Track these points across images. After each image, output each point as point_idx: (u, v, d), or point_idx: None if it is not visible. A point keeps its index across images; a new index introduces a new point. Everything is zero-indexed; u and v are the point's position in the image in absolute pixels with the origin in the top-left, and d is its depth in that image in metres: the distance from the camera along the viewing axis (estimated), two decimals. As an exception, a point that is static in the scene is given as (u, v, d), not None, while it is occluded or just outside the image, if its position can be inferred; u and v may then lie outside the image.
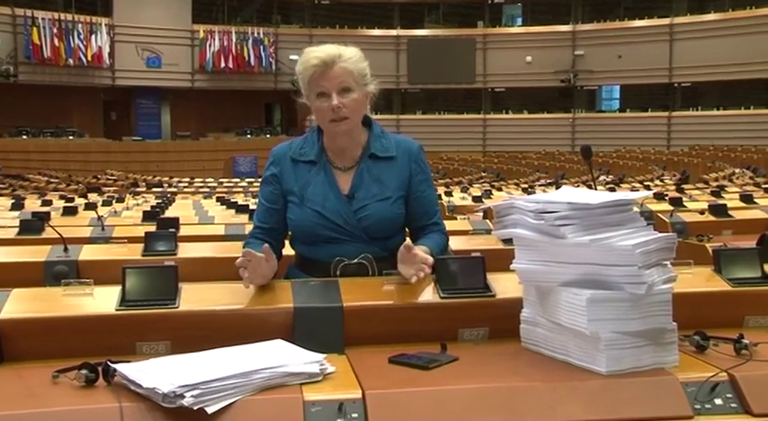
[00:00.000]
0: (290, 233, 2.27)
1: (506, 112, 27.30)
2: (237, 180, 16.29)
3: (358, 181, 2.18)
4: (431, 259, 1.97)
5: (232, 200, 8.09)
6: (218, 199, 8.59)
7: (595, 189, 2.31)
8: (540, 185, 13.33)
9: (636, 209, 1.70)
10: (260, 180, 2.45)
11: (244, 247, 2.19)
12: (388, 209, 2.18)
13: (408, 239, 2.09)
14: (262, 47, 25.76)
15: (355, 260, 2.15)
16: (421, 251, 1.98)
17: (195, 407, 1.38)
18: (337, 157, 2.21)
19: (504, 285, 1.94)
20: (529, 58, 26.29)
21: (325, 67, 2.06)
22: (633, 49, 24.68)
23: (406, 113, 27.32)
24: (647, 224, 1.67)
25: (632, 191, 9.38)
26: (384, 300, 1.93)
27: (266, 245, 1.98)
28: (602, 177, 15.20)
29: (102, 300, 1.84)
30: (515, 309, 1.81)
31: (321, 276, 2.11)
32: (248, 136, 24.31)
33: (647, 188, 11.09)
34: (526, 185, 12.92)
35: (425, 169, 2.26)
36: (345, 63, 2.07)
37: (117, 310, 1.80)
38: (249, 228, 3.94)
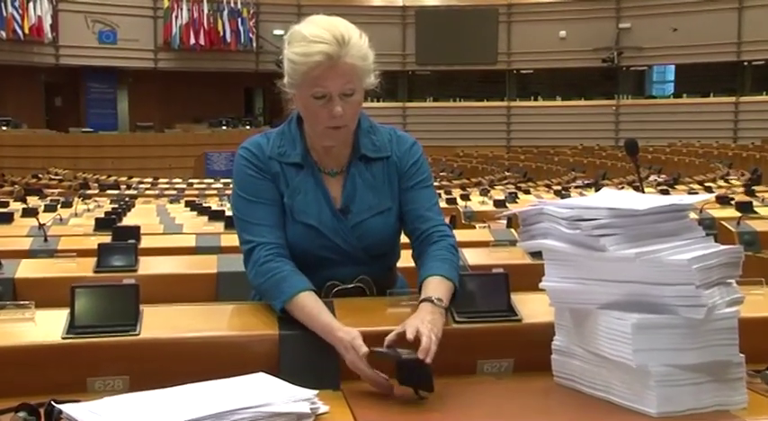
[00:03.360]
0: None
1: (535, 99, 27.33)
2: (211, 181, 16.29)
3: (350, 190, 2.15)
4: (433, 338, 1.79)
5: (204, 204, 8.10)
6: (187, 203, 8.62)
7: (643, 192, 2.32)
8: (575, 187, 13.35)
9: (693, 215, 1.71)
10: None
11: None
12: (390, 223, 2.16)
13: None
14: (240, 20, 25.83)
15: (352, 284, 2.14)
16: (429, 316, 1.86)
17: (159, 456, 1.39)
18: (323, 159, 2.17)
19: (531, 307, 1.95)
20: (563, 33, 26.32)
21: (330, 64, 1.99)
22: (692, 21, 24.66)
23: (414, 100, 27.36)
24: (706, 234, 1.67)
25: (689, 194, 9.37)
26: (387, 325, 1.92)
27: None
28: (652, 177, 15.20)
29: (46, 327, 1.85)
30: (545, 337, 1.82)
31: None
32: (224, 127, 24.32)
33: (709, 190, 11.10)
34: (559, 187, 12.92)
35: (424, 164, 2.21)
36: (352, 58, 2.00)
37: (64, 339, 1.80)
38: (225, 238, 3.96)
